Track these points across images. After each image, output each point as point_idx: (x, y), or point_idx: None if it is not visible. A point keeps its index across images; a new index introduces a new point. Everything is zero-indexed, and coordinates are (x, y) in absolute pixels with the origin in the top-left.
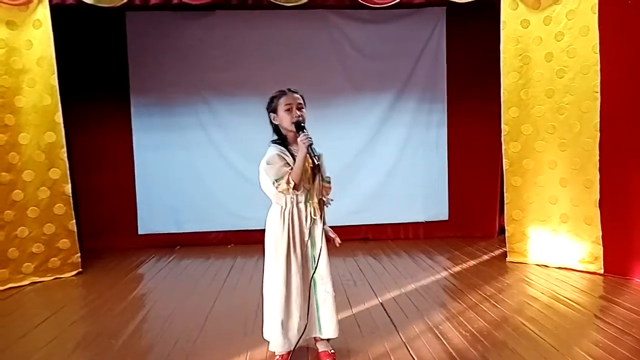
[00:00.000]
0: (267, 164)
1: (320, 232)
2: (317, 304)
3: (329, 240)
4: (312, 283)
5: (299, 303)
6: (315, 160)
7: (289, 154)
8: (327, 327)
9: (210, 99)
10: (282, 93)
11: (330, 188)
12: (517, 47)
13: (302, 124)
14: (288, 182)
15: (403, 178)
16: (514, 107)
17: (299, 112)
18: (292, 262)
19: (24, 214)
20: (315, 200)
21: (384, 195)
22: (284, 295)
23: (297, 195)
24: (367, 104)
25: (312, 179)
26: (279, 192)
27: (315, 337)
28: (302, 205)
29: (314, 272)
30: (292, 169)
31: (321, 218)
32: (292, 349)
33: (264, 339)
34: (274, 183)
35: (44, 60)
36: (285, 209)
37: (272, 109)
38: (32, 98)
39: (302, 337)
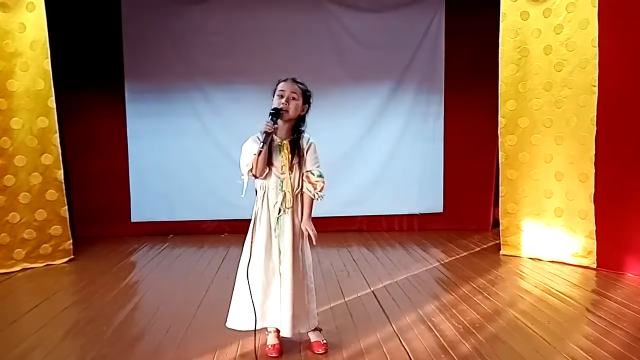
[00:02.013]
0: (243, 145)
1: (290, 224)
2: (280, 298)
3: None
4: (278, 275)
5: (255, 289)
6: (259, 147)
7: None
8: (284, 324)
9: (206, 86)
10: (284, 80)
11: (318, 182)
12: (516, 40)
13: (272, 112)
14: (247, 165)
15: (399, 170)
16: (511, 100)
17: (283, 101)
18: (256, 248)
19: (15, 199)
20: (290, 190)
21: (379, 187)
22: (243, 277)
23: (267, 182)
24: (364, 94)
25: (289, 168)
26: (244, 174)
27: None
28: (272, 193)
29: (280, 265)
30: (259, 154)
31: (295, 211)
32: (241, 329)
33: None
34: (239, 164)
35: (38, 44)
36: (259, 193)
37: (273, 93)
38: (25, 82)
39: (258, 324)
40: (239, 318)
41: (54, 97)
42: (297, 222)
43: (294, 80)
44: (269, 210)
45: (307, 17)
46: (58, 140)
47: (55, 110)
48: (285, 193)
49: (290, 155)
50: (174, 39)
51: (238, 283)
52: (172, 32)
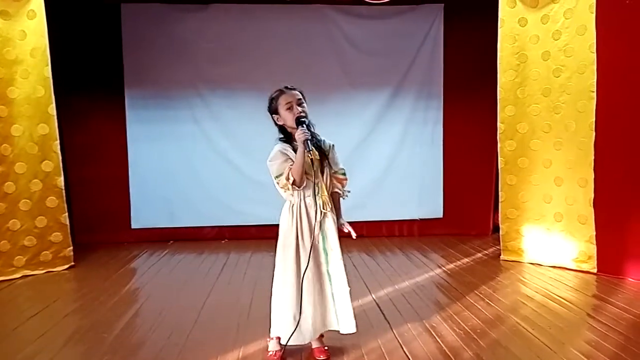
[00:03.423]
0: (269, 161)
1: (332, 225)
2: (333, 298)
3: (342, 233)
4: (328, 277)
5: (312, 297)
6: (309, 155)
7: (292, 151)
8: (346, 322)
9: (206, 92)
10: (280, 92)
11: (345, 179)
12: (514, 46)
13: (302, 119)
14: (287, 178)
15: (398, 175)
16: (510, 106)
17: (299, 108)
18: (301, 257)
19: (15, 206)
20: (326, 193)
21: (379, 192)
22: (295, 290)
23: (303, 190)
24: (364, 100)
25: (320, 171)
26: (281, 188)
27: None
28: (309, 200)
29: (328, 266)
30: (302, 161)
31: (332, 211)
32: (306, 342)
33: (270, 337)
34: (274, 179)
35: (38, 51)
36: (293, 204)
37: (272, 110)
38: (26, 89)
39: (317, 330)
40: (301, 332)
41: (54, 104)
42: (335, 221)
43: (288, 88)
44: (308, 217)
45: (307, 23)
46: (58, 147)
47: (55, 117)
48: (322, 196)
49: (319, 160)
50: (173, 45)
51: (287, 300)
52: (172, 38)
